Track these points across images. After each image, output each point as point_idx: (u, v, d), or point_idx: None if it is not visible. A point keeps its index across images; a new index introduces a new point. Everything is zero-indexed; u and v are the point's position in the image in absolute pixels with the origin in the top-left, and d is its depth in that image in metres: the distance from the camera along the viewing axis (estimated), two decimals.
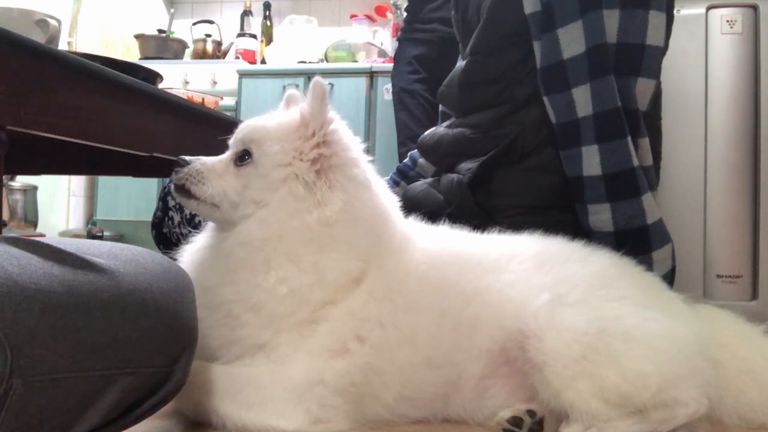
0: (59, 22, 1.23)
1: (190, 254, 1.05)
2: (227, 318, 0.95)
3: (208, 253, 1.03)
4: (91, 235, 3.55)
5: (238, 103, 3.52)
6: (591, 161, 1.31)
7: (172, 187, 1.04)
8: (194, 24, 4.18)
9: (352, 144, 1.03)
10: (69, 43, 3.54)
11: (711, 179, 1.92)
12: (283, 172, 0.98)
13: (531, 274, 1.00)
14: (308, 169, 0.98)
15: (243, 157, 1.01)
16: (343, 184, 0.99)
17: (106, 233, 3.64)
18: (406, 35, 2.72)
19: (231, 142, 1.06)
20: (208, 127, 1.37)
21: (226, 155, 1.04)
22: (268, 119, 1.04)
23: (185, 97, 1.76)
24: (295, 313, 0.94)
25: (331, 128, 0.99)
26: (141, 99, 1.19)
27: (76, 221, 3.83)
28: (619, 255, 1.10)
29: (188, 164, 1.01)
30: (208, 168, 1.01)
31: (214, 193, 1.00)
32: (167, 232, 1.62)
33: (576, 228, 1.35)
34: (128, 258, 0.74)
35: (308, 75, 3.45)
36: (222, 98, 2.49)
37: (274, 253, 0.95)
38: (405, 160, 1.83)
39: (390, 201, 1.08)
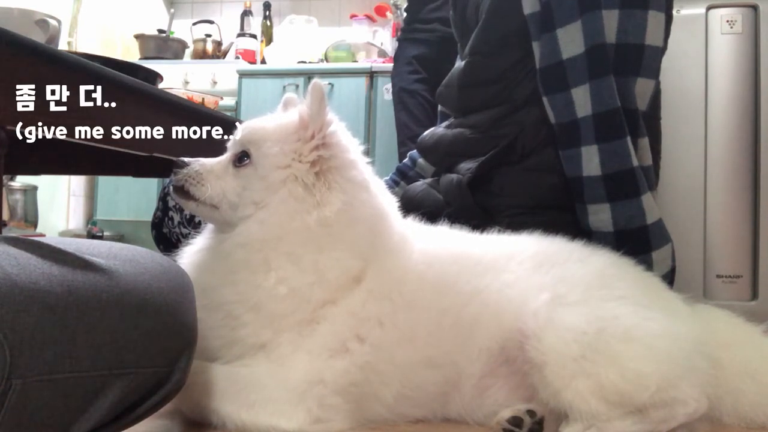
0: (59, 22, 1.22)
1: (189, 256, 1.05)
2: (227, 318, 0.95)
3: (208, 254, 1.03)
4: (91, 235, 3.55)
5: (238, 103, 3.51)
6: (590, 161, 1.31)
7: (171, 188, 1.04)
8: (194, 24, 4.18)
9: (351, 146, 1.03)
10: (69, 43, 3.53)
11: (711, 179, 1.92)
12: (283, 173, 0.98)
13: (530, 274, 1.00)
14: (307, 170, 0.98)
15: (242, 158, 1.01)
16: (342, 185, 0.99)
17: (106, 233, 3.64)
18: (406, 35, 2.72)
19: (230, 143, 1.06)
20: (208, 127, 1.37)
21: (225, 157, 1.04)
22: (267, 121, 1.04)
23: (185, 97, 1.76)
24: (295, 312, 0.94)
25: (330, 130, 1.00)
26: (141, 99, 1.19)
27: (76, 221, 3.83)
28: (618, 255, 1.10)
29: (187, 166, 1.01)
30: (207, 169, 1.01)
31: (213, 194, 1.00)
32: (167, 232, 1.62)
33: (576, 228, 1.35)
34: (128, 258, 0.74)
35: (308, 75, 3.44)
36: (222, 98, 2.49)
37: (273, 253, 0.96)
38: (405, 160, 1.83)
39: (388, 201, 1.08)
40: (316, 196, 0.97)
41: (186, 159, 1.02)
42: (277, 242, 0.96)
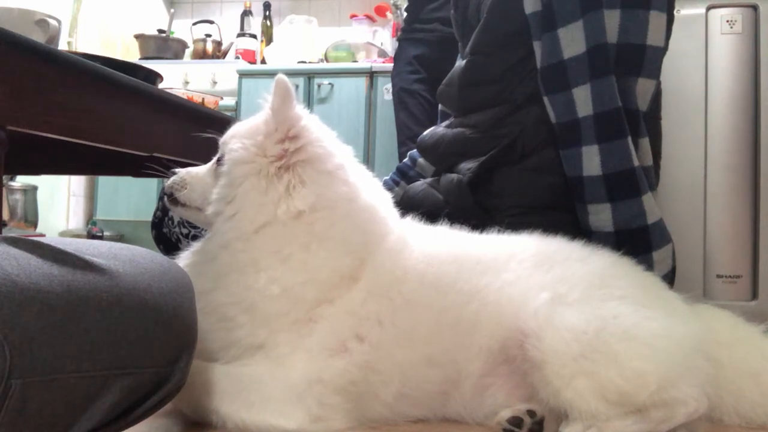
0: (59, 22, 1.22)
1: (185, 259, 1.07)
2: (223, 321, 0.95)
3: (199, 257, 1.05)
4: (91, 235, 3.55)
5: (238, 103, 3.52)
6: (591, 161, 1.31)
7: (165, 198, 1.10)
8: (194, 24, 4.18)
9: (324, 139, 1.03)
10: (69, 43, 3.54)
11: (711, 179, 1.92)
12: (245, 168, 1.00)
13: (530, 273, 1.00)
14: (270, 164, 0.99)
15: (220, 159, 1.04)
16: (314, 178, 0.99)
17: (106, 233, 3.64)
18: (406, 35, 2.72)
19: None
20: (208, 127, 1.37)
21: (213, 161, 1.07)
22: (245, 122, 1.07)
23: (185, 97, 1.75)
24: (290, 312, 0.94)
25: (301, 124, 1.00)
26: (141, 99, 1.19)
27: (76, 221, 3.83)
28: (619, 255, 1.10)
29: (175, 174, 1.07)
30: (191, 175, 1.07)
31: (194, 196, 1.05)
32: (167, 232, 1.62)
33: (576, 228, 1.35)
34: (128, 258, 0.74)
35: (308, 75, 3.45)
36: (222, 98, 2.49)
37: (259, 253, 0.96)
38: (405, 160, 1.83)
39: (378, 197, 1.08)
40: (280, 188, 0.98)
41: (176, 169, 1.08)
42: (257, 239, 0.96)
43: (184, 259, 1.07)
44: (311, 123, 1.02)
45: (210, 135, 1.08)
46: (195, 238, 1.32)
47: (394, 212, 1.10)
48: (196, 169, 1.08)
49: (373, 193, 1.07)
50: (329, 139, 1.04)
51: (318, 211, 0.98)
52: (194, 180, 1.06)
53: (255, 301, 0.94)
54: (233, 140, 1.02)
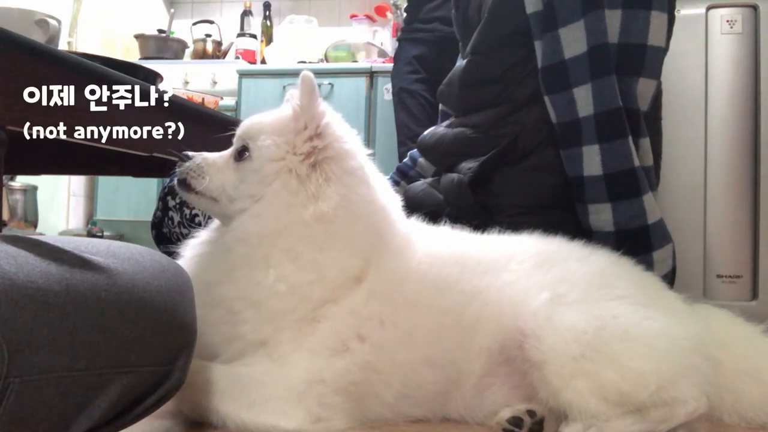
0: (59, 22, 1.22)
1: (192, 249, 1.06)
2: (228, 315, 0.95)
3: (209, 248, 1.04)
4: (91, 235, 3.55)
5: (238, 103, 3.51)
6: (592, 161, 1.31)
7: (176, 181, 1.06)
8: (194, 24, 4.18)
9: (347, 136, 1.03)
10: (69, 43, 3.53)
11: (711, 179, 1.92)
12: (276, 166, 0.99)
13: (530, 274, 1.00)
14: (301, 162, 0.98)
15: (242, 152, 1.02)
16: (339, 176, 0.99)
17: (106, 233, 3.64)
18: (406, 35, 2.72)
19: (234, 138, 1.07)
20: (208, 127, 1.37)
21: (228, 151, 1.06)
22: (266, 115, 1.05)
23: (185, 97, 1.76)
24: (295, 310, 0.94)
25: (324, 121, 1.00)
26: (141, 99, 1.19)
27: (76, 221, 3.83)
28: (619, 255, 1.10)
29: (190, 159, 1.03)
30: (208, 163, 1.03)
31: (212, 186, 1.01)
32: (167, 231, 1.62)
33: (576, 228, 1.35)
34: (127, 256, 0.74)
35: None
36: (222, 98, 2.49)
37: (273, 249, 0.96)
38: (405, 160, 1.83)
39: (390, 198, 1.08)
40: (311, 188, 0.97)
41: (190, 153, 1.04)
42: (275, 237, 0.96)
43: (191, 248, 1.07)
44: (335, 120, 1.02)
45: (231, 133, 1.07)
46: None
47: (402, 214, 1.10)
48: (211, 156, 1.05)
49: (386, 194, 1.07)
50: (351, 137, 1.04)
51: (338, 211, 0.97)
52: (212, 170, 1.03)
53: (261, 297, 0.94)
54: (262, 136, 1.00)
